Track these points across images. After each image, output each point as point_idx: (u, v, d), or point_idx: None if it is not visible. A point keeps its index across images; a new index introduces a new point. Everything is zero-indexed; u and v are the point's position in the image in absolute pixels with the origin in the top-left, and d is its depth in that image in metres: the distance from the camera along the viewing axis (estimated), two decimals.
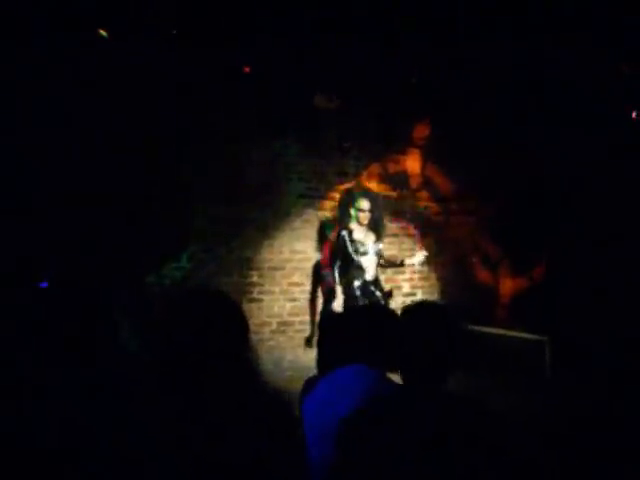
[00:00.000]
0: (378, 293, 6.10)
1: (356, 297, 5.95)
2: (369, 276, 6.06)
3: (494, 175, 7.19)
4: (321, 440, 2.14)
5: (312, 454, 2.16)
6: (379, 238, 6.19)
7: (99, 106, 5.50)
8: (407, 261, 6.24)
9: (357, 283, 6.00)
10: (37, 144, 5.29)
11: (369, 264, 6.07)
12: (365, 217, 6.06)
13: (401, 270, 7.12)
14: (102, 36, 5.31)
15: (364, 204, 6.08)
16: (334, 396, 2.23)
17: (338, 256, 6.04)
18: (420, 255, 6.16)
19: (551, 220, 7.02)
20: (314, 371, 3.57)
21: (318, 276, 6.70)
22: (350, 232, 6.06)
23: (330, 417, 2.09)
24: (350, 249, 6.00)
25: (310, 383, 3.32)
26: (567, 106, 6.50)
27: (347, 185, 6.85)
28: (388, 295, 6.47)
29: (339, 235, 6.09)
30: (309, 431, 2.25)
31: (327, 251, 6.51)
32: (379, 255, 6.16)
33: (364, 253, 6.03)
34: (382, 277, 6.81)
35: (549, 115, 6.69)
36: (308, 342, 6.59)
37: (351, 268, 6.04)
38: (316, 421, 2.23)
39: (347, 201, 6.29)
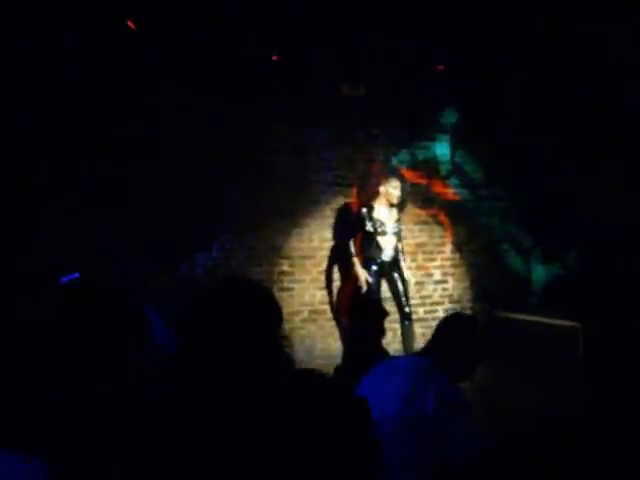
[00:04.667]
0: (396, 274, 6.07)
1: (371, 278, 5.94)
2: (387, 257, 6.04)
3: (524, 161, 7.09)
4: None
5: None
6: (399, 219, 6.17)
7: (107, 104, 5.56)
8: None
9: (374, 265, 5.99)
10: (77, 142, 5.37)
11: (387, 244, 6.04)
12: (397, 197, 6.06)
13: (432, 257, 7.09)
14: (129, 28, 5.34)
15: (397, 183, 6.08)
16: (388, 377, 2.26)
17: (355, 230, 6.03)
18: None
19: (584, 205, 6.92)
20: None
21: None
22: (370, 209, 6.05)
23: (382, 396, 2.20)
24: (369, 227, 5.99)
25: (340, 371, 3.34)
26: (594, 88, 6.40)
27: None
28: None
29: (359, 211, 6.10)
30: None
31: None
32: (399, 236, 6.13)
33: (383, 233, 6.01)
34: (413, 264, 6.79)
35: (580, 99, 6.58)
36: None
37: (369, 247, 6.02)
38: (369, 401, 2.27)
39: (377, 178, 6.26)
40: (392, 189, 6.05)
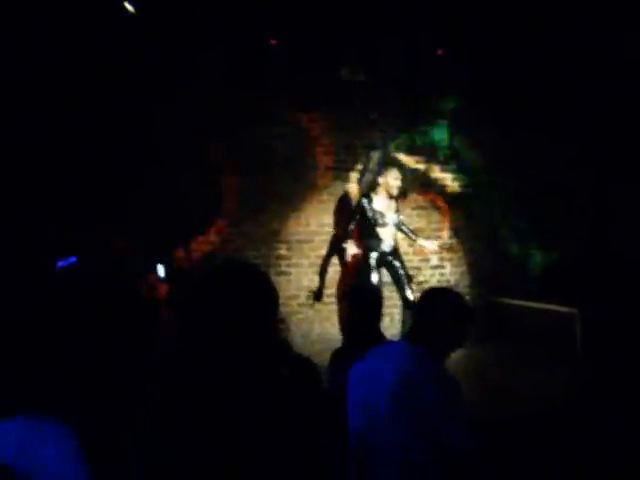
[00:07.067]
0: (397, 263, 6.05)
1: (371, 267, 5.92)
2: (386, 247, 6.01)
3: (523, 146, 7.07)
4: (365, 407, 2.20)
5: (352, 421, 2.24)
6: (398, 210, 6.16)
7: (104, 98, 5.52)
8: (420, 241, 6.23)
9: (374, 254, 5.97)
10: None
11: (387, 235, 6.01)
12: (396, 188, 6.02)
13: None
14: (128, 11, 5.30)
15: (397, 175, 6.03)
16: (382, 365, 2.26)
17: (352, 220, 6.02)
18: (434, 243, 6.25)
19: (580, 192, 6.92)
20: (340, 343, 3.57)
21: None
22: (370, 200, 6.02)
23: (377, 384, 2.18)
24: (369, 218, 5.96)
25: (337, 355, 3.34)
26: (596, 75, 6.37)
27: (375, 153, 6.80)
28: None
29: (359, 202, 6.07)
30: (353, 398, 2.28)
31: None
32: (399, 226, 6.12)
33: (383, 224, 5.98)
34: (410, 250, 6.78)
35: (580, 84, 6.56)
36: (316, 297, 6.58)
37: (369, 238, 6.00)
38: (362, 388, 2.25)
39: (377, 169, 6.23)
40: (392, 180, 6.00)
